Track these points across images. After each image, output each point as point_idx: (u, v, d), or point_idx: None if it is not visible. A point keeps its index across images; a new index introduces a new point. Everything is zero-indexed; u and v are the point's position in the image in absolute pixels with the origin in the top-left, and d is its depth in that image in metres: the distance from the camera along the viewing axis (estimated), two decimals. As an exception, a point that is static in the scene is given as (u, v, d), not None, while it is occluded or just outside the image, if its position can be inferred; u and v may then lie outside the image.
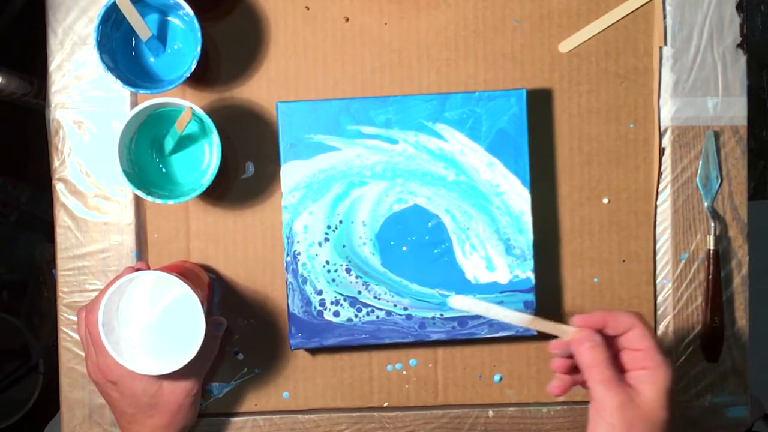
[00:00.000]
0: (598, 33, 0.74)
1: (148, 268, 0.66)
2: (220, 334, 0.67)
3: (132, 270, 0.64)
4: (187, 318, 0.61)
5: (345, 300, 0.69)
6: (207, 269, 0.73)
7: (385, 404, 0.74)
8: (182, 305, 0.62)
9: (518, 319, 0.58)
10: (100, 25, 0.64)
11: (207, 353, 0.66)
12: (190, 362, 0.59)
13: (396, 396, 0.74)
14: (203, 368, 0.67)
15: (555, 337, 0.58)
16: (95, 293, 0.72)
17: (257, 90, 0.73)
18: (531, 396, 0.74)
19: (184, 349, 0.60)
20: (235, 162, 0.73)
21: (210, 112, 0.70)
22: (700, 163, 0.74)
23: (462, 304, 0.59)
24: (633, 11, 0.74)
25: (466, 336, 0.70)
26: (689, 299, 0.75)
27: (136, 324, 0.62)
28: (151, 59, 0.69)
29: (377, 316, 0.69)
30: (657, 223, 0.75)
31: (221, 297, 0.73)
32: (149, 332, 0.62)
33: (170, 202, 0.65)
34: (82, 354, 0.73)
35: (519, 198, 0.69)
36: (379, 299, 0.69)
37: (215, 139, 0.65)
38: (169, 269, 0.63)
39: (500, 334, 0.70)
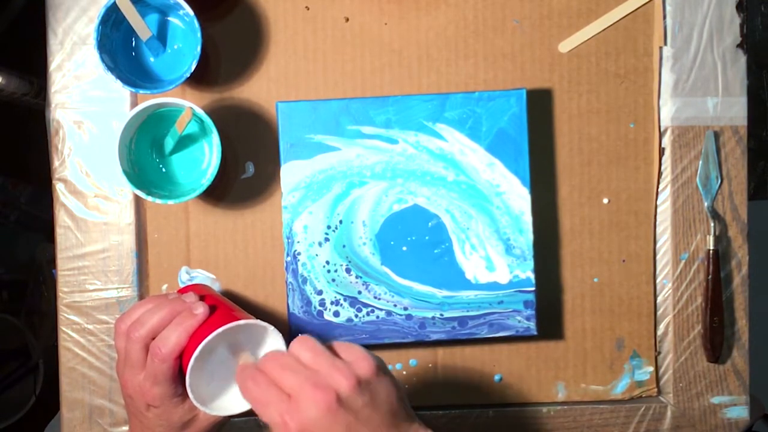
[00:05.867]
0: (598, 33, 0.74)
1: (201, 295, 0.63)
2: None
3: (180, 295, 0.62)
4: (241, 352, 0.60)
5: (345, 300, 0.69)
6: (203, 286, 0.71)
7: (385, 404, 0.74)
8: (258, 347, 0.61)
9: None
10: (100, 25, 0.64)
11: None
12: None
13: (396, 396, 0.74)
14: None
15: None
16: (95, 293, 0.73)
17: (257, 90, 0.73)
18: (531, 396, 0.75)
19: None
20: (235, 162, 0.73)
21: (210, 112, 0.70)
22: (700, 163, 0.74)
23: None
24: (633, 11, 0.74)
25: (466, 336, 0.70)
26: (689, 299, 0.75)
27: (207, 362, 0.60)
28: (151, 59, 0.69)
29: (377, 316, 0.69)
30: (657, 223, 0.75)
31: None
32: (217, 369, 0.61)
33: (170, 202, 0.65)
34: (82, 354, 0.73)
35: (519, 198, 0.69)
36: (379, 299, 0.69)
37: (215, 139, 0.65)
38: (227, 310, 0.61)
39: (500, 334, 0.70)
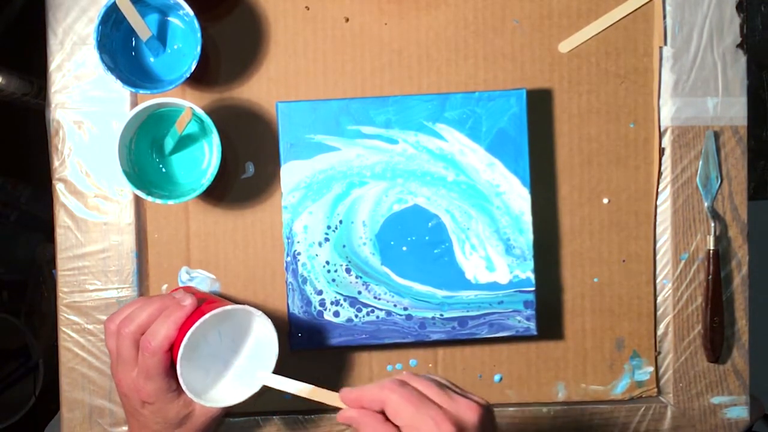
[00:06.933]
0: (598, 33, 0.74)
1: (191, 292, 0.64)
2: None
3: (174, 293, 0.63)
4: (242, 345, 0.61)
5: (345, 300, 0.69)
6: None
7: (385, 404, 0.74)
8: (247, 336, 0.61)
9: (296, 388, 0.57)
10: (100, 25, 0.64)
11: None
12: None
13: (396, 396, 0.74)
14: None
15: None
16: (95, 293, 0.73)
17: (257, 90, 0.73)
18: (531, 396, 0.75)
19: (237, 377, 0.60)
20: (235, 162, 0.73)
21: (210, 112, 0.70)
22: (700, 163, 0.74)
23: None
24: (633, 11, 0.74)
25: (466, 336, 0.70)
26: (689, 299, 0.75)
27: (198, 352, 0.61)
28: (151, 59, 0.69)
29: (377, 316, 0.69)
30: (657, 223, 0.75)
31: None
32: (214, 361, 0.61)
33: (170, 202, 0.65)
34: (82, 354, 0.73)
35: (519, 198, 0.69)
36: (379, 299, 0.69)
37: (215, 139, 0.65)
38: (212, 301, 0.62)
39: (500, 334, 0.70)
